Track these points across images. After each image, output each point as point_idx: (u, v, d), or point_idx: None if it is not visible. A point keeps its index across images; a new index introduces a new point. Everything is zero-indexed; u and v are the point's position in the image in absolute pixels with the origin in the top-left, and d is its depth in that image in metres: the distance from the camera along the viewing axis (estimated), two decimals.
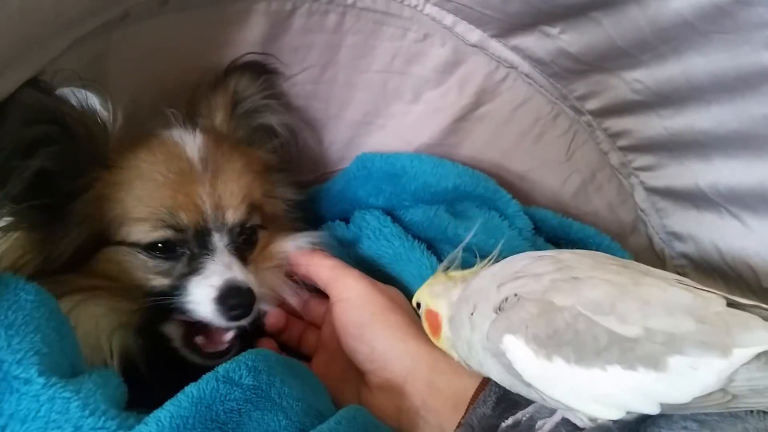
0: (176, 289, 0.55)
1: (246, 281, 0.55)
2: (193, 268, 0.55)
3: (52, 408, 0.40)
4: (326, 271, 0.60)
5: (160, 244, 0.54)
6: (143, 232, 0.53)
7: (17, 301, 0.44)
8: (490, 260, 0.51)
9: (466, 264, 0.52)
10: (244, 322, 0.56)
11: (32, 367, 0.41)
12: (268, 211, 0.63)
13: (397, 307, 0.56)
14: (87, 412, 0.41)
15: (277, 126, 0.67)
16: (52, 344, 0.43)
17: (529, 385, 0.43)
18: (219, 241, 0.56)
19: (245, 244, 0.59)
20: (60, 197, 0.53)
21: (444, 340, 0.50)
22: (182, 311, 0.55)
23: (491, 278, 0.47)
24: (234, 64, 0.64)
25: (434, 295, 0.51)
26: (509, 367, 0.43)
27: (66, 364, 0.44)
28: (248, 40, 0.64)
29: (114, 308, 0.55)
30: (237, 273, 0.55)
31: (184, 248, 0.55)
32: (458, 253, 0.52)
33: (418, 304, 0.53)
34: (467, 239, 0.53)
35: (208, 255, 0.55)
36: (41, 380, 0.41)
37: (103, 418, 0.41)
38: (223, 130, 0.63)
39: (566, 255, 0.47)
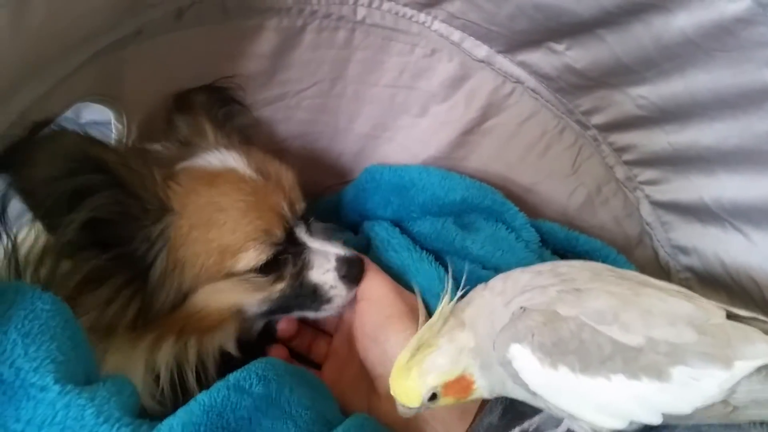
0: (295, 289, 0.58)
1: (340, 248, 0.60)
2: (302, 265, 0.59)
3: (68, 414, 0.41)
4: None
5: (267, 262, 0.56)
6: (252, 259, 0.55)
7: (33, 310, 0.44)
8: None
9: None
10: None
11: (48, 375, 0.42)
12: None
13: (414, 315, 0.56)
14: (101, 419, 0.41)
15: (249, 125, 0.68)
16: (67, 352, 0.44)
17: (534, 394, 0.44)
18: (301, 232, 0.60)
19: (307, 225, 0.62)
20: (133, 249, 0.52)
21: (480, 391, 0.46)
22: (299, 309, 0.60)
23: (499, 295, 0.47)
24: (181, 97, 0.64)
25: (443, 368, 0.45)
26: (515, 377, 0.44)
27: (81, 372, 0.45)
28: (259, 55, 0.66)
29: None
30: (331, 247, 0.60)
31: (284, 254, 0.57)
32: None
33: (432, 395, 0.45)
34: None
35: (303, 248, 0.59)
36: (57, 387, 0.42)
37: (117, 425, 0.42)
38: (225, 142, 0.63)
39: (563, 268, 0.47)
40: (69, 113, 0.58)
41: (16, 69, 0.45)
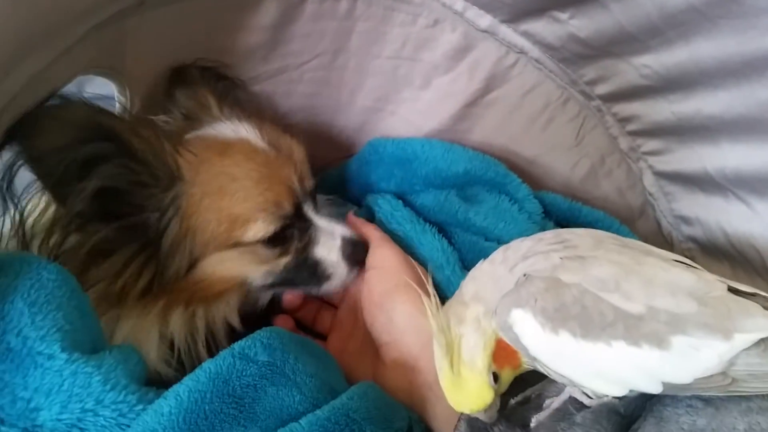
0: (298, 264, 0.59)
1: (347, 229, 0.61)
2: (308, 241, 0.60)
3: (75, 382, 0.42)
4: (373, 239, 0.62)
5: (274, 234, 0.56)
6: (260, 229, 0.55)
7: (39, 279, 0.45)
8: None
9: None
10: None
11: (55, 344, 0.42)
12: None
13: (421, 284, 0.57)
14: (108, 387, 0.42)
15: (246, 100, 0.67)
16: (73, 321, 0.44)
17: (534, 359, 0.44)
18: (309, 208, 0.60)
19: (314, 202, 0.62)
20: (145, 218, 0.53)
21: (526, 359, 0.45)
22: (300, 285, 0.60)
23: (502, 263, 0.47)
24: (178, 71, 0.64)
25: (480, 344, 0.44)
26: (516, 341, 0.44)
27: (87, 341, 0.45)
28: (260, 26, 0.65)
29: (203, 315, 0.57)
30: (338, 226, 0.61)
31: (291, 228, 0.58)
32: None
33: (494, 375, 0.44)
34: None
35: (310, 224, 0.60)
36: (64, 356, 0.42)
37: (123, 392, 0.42)
38: (232, 113, 0.63)
39: (566, 235, 0.47)
40: (72, 87, 0.58)
41: (18, 41, 0.44)
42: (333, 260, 0.60)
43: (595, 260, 0.44)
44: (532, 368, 0.46)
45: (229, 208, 0.54)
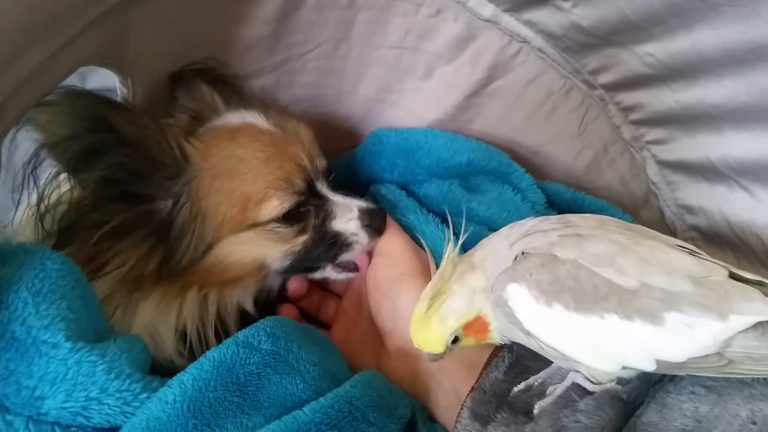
0: (317, 241, 0.60)
1: (363, 201, 0.62)
2: (324, 216, 0.60)
3: (79, 371, 0.42)
4: None
5: (289, 212, 0.57)
6: (274, 208, 0.56)
7: (44, 269, 0.45)
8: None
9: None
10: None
11: (59, 333, 0.43)
12: None
13: (427, 273, 0.57)
14: (112, 375, 0.42)
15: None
16: (77, 311, 0.45)
17: (528, 334, 0.44)
18: (322, 186, 0.61)
19: (327, 180, 0.62)
20: (155, 205, 0.54)
21: (494, 330, 0.47)
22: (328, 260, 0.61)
23: (504, 239, 0.47)
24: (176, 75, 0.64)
25: (459, 309, 0.46)
26: (510, 316, 0.44)
27: (91, 330, 0.46)
28: (263, 16, 0.65)
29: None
30: (353, 200, 0.61)
31: (306, 205, 0.59)
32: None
33: (455, 338, 0.47)
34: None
35: (326, 200, 0.61)
36: (68, 345, 0.42)
37: (128, 381, 0.43)
38: (239, 104, 0.63)
39: (570, 217, 0.48)
40: (75, 79, 0.58)
41: (22, 31, 0.44)
42: (352, 230, 0.60)
43: (592, 238, 0.44)
44: (496, 343, 0.48)
45: (241, 189, 0.55)
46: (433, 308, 0.46)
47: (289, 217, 0.57)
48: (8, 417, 0.41)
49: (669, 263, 0.42)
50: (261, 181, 0.56)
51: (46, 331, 0.42)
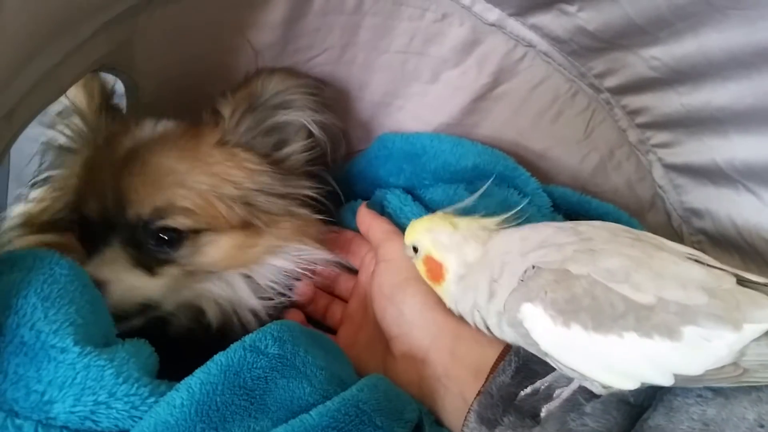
0: None
1: (101, 276, 0.54)
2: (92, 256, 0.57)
3: (88, 375, 0.42)
4: (381, 233, 0.62)
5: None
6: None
7: (52, 275, 0.45)
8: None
9: None
10: None
11: (68, 337, 0.43)
12: (261, 209, 0.61)
13: None
14: (121, 380, 0.43)
15: (306, 123, 0.65)
16: (86, 316, 0.45)
17: (545, 354, 0.44)
18: (116, 236, 0.57)
19: (159, 245, 0.58)
20: None
21: (445, 292, 0.52)
22: None
23: (519, 242, 0.48)
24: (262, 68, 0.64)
25: (440, 245, 0.51)
26: (526, 336, 0.44)
27: (99, 335, 0.46)
28: (270, 22, 0.65)
29: None
30: (95, 268, 0.55)
31: (92, 237, 0.58)
32: (468, 203, 0.54)
33: (414, 247, 0.53)
34: (476, 195, 0.55)
35: (103, 247, 0.57)
36: (77, 349, 0.43)
37: (136, 385, 0.43)
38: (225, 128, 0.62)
39: (583, 227, 0.47)
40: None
41: (31, 38, 0.45)
42: None
43: (605, 252, 0.44)
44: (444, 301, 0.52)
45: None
46: (439, 222, 0.51)
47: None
48: (17, 421, 0.41)
49: (682, 275, 0.42)
50: (80, 184, 0.61)
51: (54, 336, 0.43)
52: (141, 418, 0.42)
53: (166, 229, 0.57)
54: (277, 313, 0.62)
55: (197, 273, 0.59)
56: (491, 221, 0.51)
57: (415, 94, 0.75)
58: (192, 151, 0.60)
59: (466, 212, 0.53)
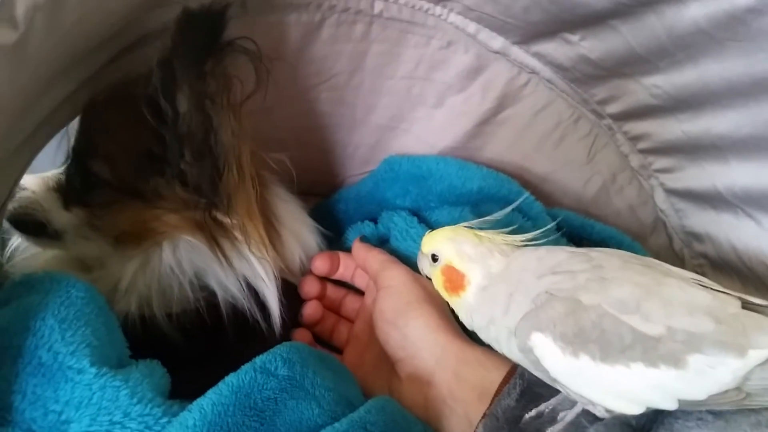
0: None
1: (31, 197, 0.59)
2: None
3: (104, 396, 0.43)
4: (378, 263, 0.63)
5: None
6: None
7: (69, 297, 0.47)
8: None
9: None
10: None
11: (84, 358, 0.44)
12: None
13: (432, 300, 0.58)
14: (135, 400, 0.43)
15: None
16: (101, 337, 0.46)
17: (554, 380, 0.45)
18: None
19: (83, 185, 0.59)
20: None
21: (462, 304, 0.51)
22: None
23: (536, 262, 0.48)
24: None
25: (464, 255, 0.50)
26: (537, 363, 0.45)
27: (114, 356, 0.47)
28: (279, 50, 0.67)
29: None
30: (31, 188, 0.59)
31: None
32: (494, 218, 0.54)
33: (434, 255, 0.52)
34: (507, 210, 0.56)
35: None
36: (93, 370, 0.44)
37: (149, 406, 0.43)
38: None
39: (595, 254, 0.48)
40: None
41: (51, 69, 0.46)
42: None
43: (616, 281, 0.45)
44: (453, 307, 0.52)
45: None
46: (462, 232, 0.51)
47: None
48: None
49: (690, 302, 0.43)
50: None
51: (72, 357, 0.44)
52: None
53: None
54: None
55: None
56: (514, 238, 0.52)
57: (421, 118, 0.76)
58: None
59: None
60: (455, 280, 0.51)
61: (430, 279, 0.55)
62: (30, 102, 0.47)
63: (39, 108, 0.50)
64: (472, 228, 0.52)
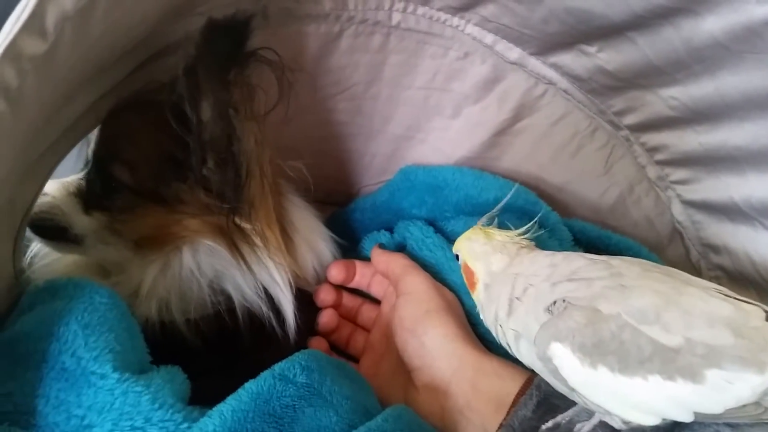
0: None
1: (52, 202, 0.59)
2: None
3: (126, 401, 0.44)
4: (400, 267, 0.63)
5: None
6: None
7: (92, 303, 0.47)
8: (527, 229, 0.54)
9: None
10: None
11: (107, 364, 0.44)
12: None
13: (451, 310, 0.59)
14: (156, 405, 0.44)
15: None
16: (124, 343, 0.47)
17: (572, 390, 0.45)
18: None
19: (104, 190, 0.60)
20: None
21: (477, 302, 0.53)
22: None
23: (548, 268, 0.49)
24: None
25: (473, 254, 0.53)
26: (555, 372, 0.45)
27: (136, 362, 0.48)
28: (299, 60, 0.67)
29: None
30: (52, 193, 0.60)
31: None
32: (496, 212, 0.55)
33: (457, 255, 0.55)
34: (503, 202, 0.57)
35: None
36: (116, 375, 0.44)
37: (170, 411, 0.44)
38: None
39: (616, 261, 0.48)
40: None
41: (76, 79, 0.47)
42: None
43: (637, 289, 0.45)
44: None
45: None
46: (476, 231, 0.54)
47: None
48: None
49: (710, 313, 0.43)
50: None
51: (95, 363, 0.44)
52: None
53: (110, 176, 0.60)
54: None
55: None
56: (521, 235, 0.54)
57: (437, 129, 0.77)
58: None
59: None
60: (469, 277, 0.54)
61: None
62: (55, 110, 0.48)
63: (63, 116, 0.51)
64: (489, 227, 0.55)
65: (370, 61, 0.71)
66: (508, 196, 0.57)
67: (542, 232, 0.68)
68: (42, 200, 0.58)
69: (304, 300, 0.63)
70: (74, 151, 0.60)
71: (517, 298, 0.48)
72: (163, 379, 0.46)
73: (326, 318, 0.65)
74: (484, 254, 0.52)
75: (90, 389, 0.44)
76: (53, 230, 0.59)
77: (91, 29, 0.42)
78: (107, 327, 0.46)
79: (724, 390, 0.41)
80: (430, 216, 0.72)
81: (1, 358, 0.45)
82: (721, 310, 0.43)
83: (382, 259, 0.65)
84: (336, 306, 0.67)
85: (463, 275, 0.55)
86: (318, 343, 0.64)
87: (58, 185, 0.61)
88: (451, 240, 0.68)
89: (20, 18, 0.37)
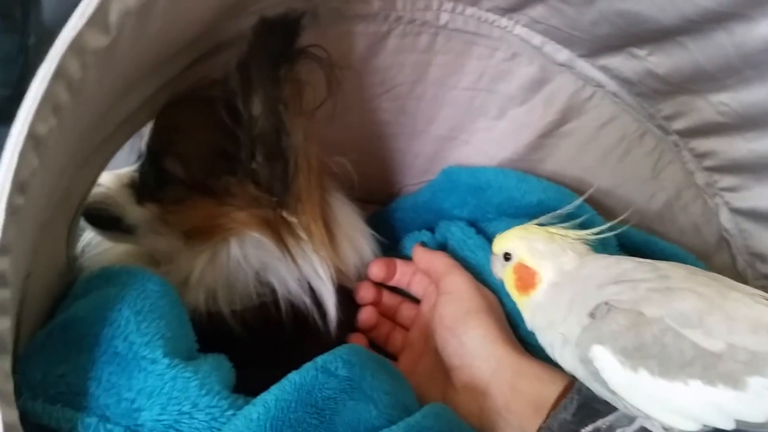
0: None
1: (106, 192, 0.61)
2: None
3: (174, 386, 0.45)
4: (443, 266, 0.64)
5: None
6: None
7: (144, 290, 0.49)
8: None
9: None
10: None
11: (158, 349, 0.46)
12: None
13: (492, 311, 0.59)
14: (204, 392, 0.45)
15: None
16: (174, 330, 0.48)
17: (613, 393, 0.45)
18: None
19: (157, 182, 0.61)
20: None
21: (529, 302, 0.51)
22: None
23: (601, 270, 0.48)
24: None
25: (535, 252, 0.51)
26: (596, 375, 0.45)
27: (185, 349, 0.49)
28: (346, 60, 0.68)
29: None
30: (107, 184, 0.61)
31: None
32: (560, 214, 0.54)
33: (506, 254, 0.52)
34: (568, 208, 0.55)
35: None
36: (166, 361, 0.45)
37: (217, 398, 0.45)
38: None
39: (663, 264, 0.48)
40: None
41: (134, 73, 0.49)
42: None
43: (681, 292, 0.45)
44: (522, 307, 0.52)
45: None
46: (535, 231, 0.52)
47: None
48: (108, 426, 0.44)
49: (755, 319, 0.43)
50: None
51: (146, 348, 0.46)
52: (219, 430, 0.45)
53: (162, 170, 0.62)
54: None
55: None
56: (585, 233, 0.52)
57: (481, 129, 0.76)
58: None
59: None
60: (526, 278, 0.51)
61: (502, 281, 0.55)
62: (113, 103, 0.49)
63: (120, 109, 0.53)
64: (543, 225, 0.53)
65: (416, 61, 0.71)
66: (577, 202, 0.57)
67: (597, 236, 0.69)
68: (96, 190, 0.60)
69: (345, 296, 0.63)
70: (127, 144, 0.62)
71: (572, 301, 0.48)
72: (211, 366, 0.47)
73: (366, 315, 0.65)
74: (553, 253, 0.50)
75: (140, 373, 0.45)
76: (107, 220, 0.61)
77: (150, 26, 0.44)
78: (158, 314, 0.48)
79: (765, 397, 0.40)
80: (471, 217, 0.72)
81: (55, 342, 0.46)
82: (766, 316, 0.43)
83: (424, 257, 0.66)
84: (376, 303, 0.67)
85: (512, 276, 0.52)
86: (357, 340, 0.65)
87: (113, 177, 0.63)
88: (492, 241, 0.68)
89: (85, 12, 0.38)
